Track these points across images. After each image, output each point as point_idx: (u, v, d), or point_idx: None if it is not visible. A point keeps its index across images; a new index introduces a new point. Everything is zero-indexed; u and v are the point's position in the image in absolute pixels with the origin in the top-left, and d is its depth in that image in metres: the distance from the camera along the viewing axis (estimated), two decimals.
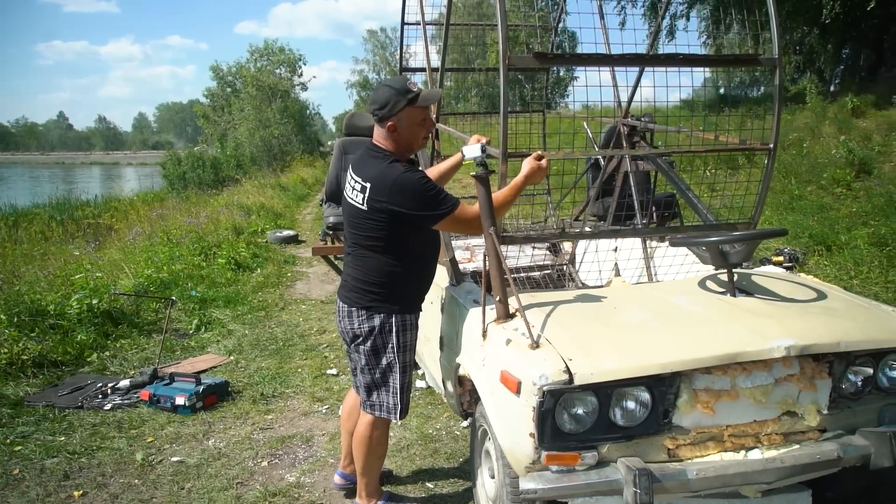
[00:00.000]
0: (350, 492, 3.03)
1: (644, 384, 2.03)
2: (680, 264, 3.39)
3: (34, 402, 4.14)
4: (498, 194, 2.53)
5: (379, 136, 2.57)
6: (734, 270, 2.51)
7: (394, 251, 2.51)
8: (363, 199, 2.46)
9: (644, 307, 2.43)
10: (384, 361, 2.60)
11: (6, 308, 5.31)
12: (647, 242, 3.96)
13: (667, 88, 3.05)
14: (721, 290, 2.54)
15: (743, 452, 2.10)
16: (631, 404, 2.05)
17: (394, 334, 2.58)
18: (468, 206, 2.50)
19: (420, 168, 3.79)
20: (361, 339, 2.61)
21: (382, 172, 2.45)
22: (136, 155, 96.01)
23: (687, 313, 2.35)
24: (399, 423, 3.77)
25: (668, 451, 2.09)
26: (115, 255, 8.50)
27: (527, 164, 2.57)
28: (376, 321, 2.57)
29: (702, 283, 2.66)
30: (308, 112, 35.83)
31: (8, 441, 3.63)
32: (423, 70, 4.26)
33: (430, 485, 3.11)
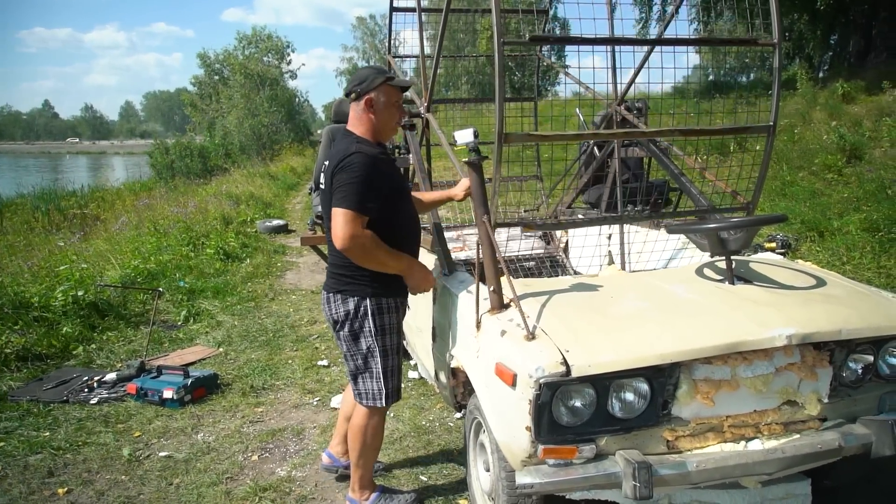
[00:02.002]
0: (341, 477, 3.00)
1: (643, 375, 1.98)
2: (664, 250, 3.35)
3: (18, 397, 4.05)
4: (381, 252, 2.44)
5: (353, 118, 2.57)
6: (732, 258, 2.46)
7: None
8: (328, 179, 2.46)
9: (641, 296, 2.38)
10: (364, 346, 2.57)
11: None
12: (627, 230, 3.93)
13: (662, 69, 2.98)
14: (719, 277, 2.49)
15: (743, 443, 2.06)
16: (629, 396, 2.00)
17: (370, 317, 2.55)
18: (351, 222, 2.34)
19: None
20: (339, 324, 2.60)
21: (341, 150, 2.46)
22: (123, 144, 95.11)
23: (685, 302, 2.29)
24: (391, 412, 3.72)
25: (667, 442, 2.05)
26: (102, 246, 8.37)
27: (414, 274, 2.57)
28: (350, 305, 2.55)
29: (699, 271, 2.61)
30: (297, 100, 35.51)
31: None
32: (414, 56, 4.17)
33: (423, 477, 3.06)
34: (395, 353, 2.64)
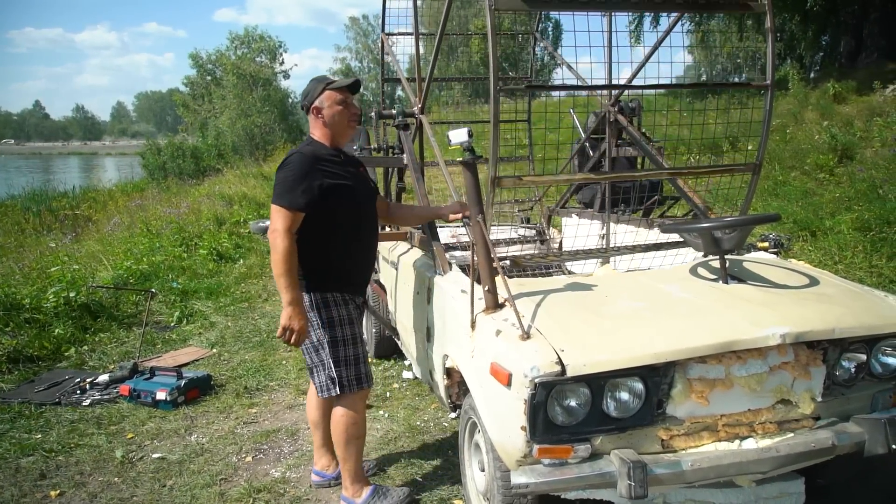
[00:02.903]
0: (336, 488, 2.97)
1: (638, 374, 1.98)
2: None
3: (9, 399, 4.02)
4: (283, 263, 2.47)
5: (311, 129, 2.75)
6: (726, 257, 2.47)
7: (301, 231, 2.55)
8: None
9: (635, 295, 2.38)
10: (313, 338, 2.66)
11: None
12: (610, 228, 3.94)
13: (664, 66, 2.96)
14: (713, 277, 2.50)
15: (737, 442, 2.06)
16: (624, 395, 2.00)
17: (315, 310, 2.64)
18: (279, 217, 2.49)
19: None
20: None
21: (290, 152, 2.67)
22: (114, 145, 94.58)
23: (679, 301, 2.30)
24: (385, 412, 3.71)
25: (662, 442, 2.05)
26: (94, 247, 8.33)
27: (289, 313, 2.51)
28: (304, 301, 2.63)
29: (693, 271, 2.62)
30: (290, 100, 35.38)
31: None
32: (412, 79, 4.16)
33: (418, 477, 3.06)
34: (352, 344, 2.69)
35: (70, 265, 6.74)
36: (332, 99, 2.67)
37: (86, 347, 5.04)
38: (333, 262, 2.67)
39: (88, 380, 4.24)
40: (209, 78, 34.30)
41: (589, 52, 3.46)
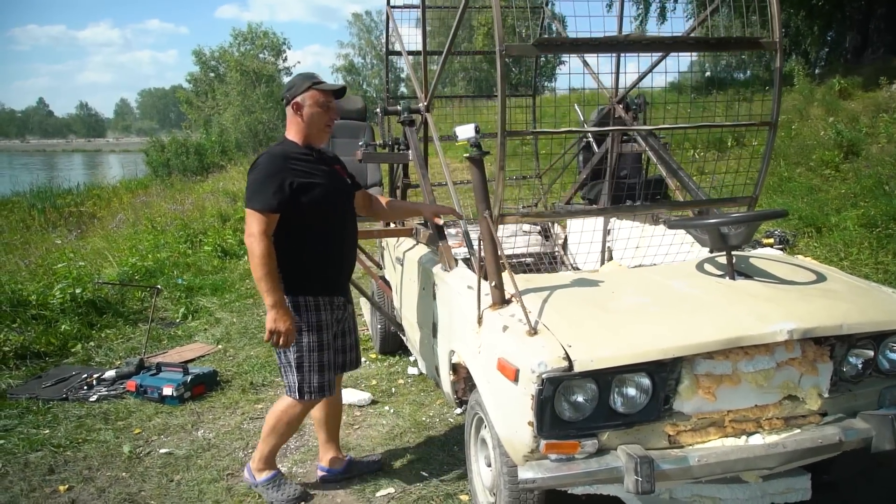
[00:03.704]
0: (342, 482, 2.99)
1: (645, 370, 1.98)
2: (660, 245, 3.36)
3: (17, 395, 4.04)
4: (262, 267, 2.52)
5: (287, 125, 2.73)
6: (733, 253, 2.47)
7: (274, 232, 2.57)
8: None
9: (642, 291, 2.38)
10: None
11: None
12: (621, 225, 3.94)
13: (665, 70, 2.96)
14: (720, 273, 2.49)
15: (744, 438, 2.06)
16: (631, 391, 2.01)
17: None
18: (254, 221, 2.52)
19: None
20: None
21: (261, 153, 2.67)
22: (118, 142, 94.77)
23: (686, 297, 2.30)
24: (391, 408, 3.73)
25: (668, 437, 2.06)
26: (99, 244, 8.36)
27: (274, 315, 2.53)
28: None
29: (700, 267, 2.62)
30: None
31: None
32: (417, 53, 4.15)
33: (424, 473, 3.06)
34: (317, 351, 2.68)
35: (76, 262, 6.77)
36: (314, 99, 2.65)
37: (92, 343, 5.06)
38: (306, 263, 2.65)
39: (95, 376, 4.26)
40: (212, 75, 34.37)
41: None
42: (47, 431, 3.60)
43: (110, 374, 4.26)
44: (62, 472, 3.18)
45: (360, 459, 3.13)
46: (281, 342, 2.56)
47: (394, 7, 4.47)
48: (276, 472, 2.89)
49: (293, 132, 2.70)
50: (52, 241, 9.17)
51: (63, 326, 5.10)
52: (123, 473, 3.16)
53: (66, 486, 3.04)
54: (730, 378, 2.04)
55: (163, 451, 3.36)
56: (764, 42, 2.73)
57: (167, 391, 3.93)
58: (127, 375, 4.19)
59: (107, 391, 4.09)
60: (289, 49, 35.19)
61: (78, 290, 5.50)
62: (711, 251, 2.74)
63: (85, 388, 4.13)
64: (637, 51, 3.16)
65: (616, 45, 3.18)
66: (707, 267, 2.60)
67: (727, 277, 2.42)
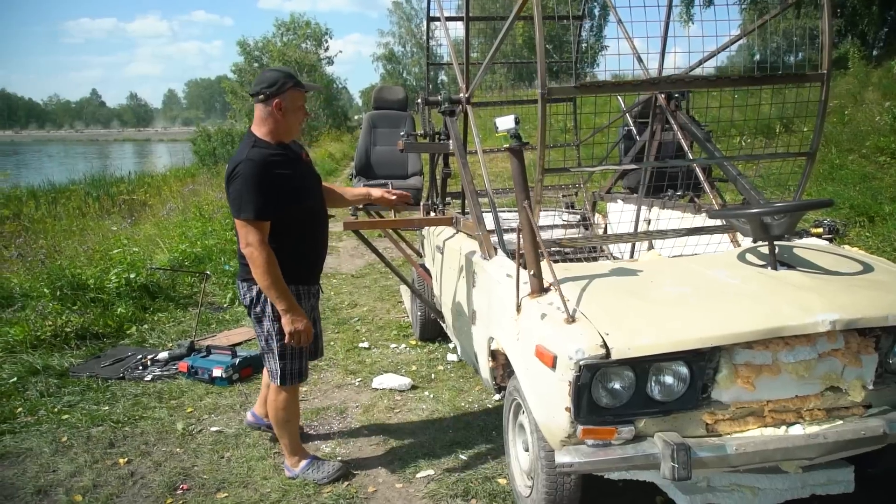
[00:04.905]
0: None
1: (682, 359, 1.99)
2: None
3: (78, 373, 4.28)
4: (268, 275, 2.57)
5: (258, 119, 2.70)
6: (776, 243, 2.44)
7: None
8: (225, 186, 2.68)
9: (681, 281, 2.38)
10: (265, 328, 2.79)
11: (49, 282, 5.49)
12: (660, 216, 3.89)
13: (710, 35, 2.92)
14: (762, 263, 2.47)
15: (784, 428, 2.06)
16: (669, 379, 2.02)
17: (269, 303, 2.71)
18: (251, 231, 2.55)
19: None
20: (248, 308, 2.85)
21: (234, 158, 2.65)
22: (166, 131, 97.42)
23: (726, 287, 2.29)
24: (431, 393, 3.80)
25: (706, 425, 2.07)
26: (150, 231, 8.67)
27: (289, 317, 2.65)
28: (254, 292, 2.76)
29: (741, 256, 2.60)
30: (335, 86, 35.75)
31: (56, 410, 3.77)
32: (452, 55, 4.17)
33: (463, 456, 3.14)
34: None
35: (129, 248, 7.04)
36: (297, 100, 2.68)
37: (146, 326, 5.29)
38: (286, 258, 2.70)
39: (149, 356, 4.47)
40: (256, 65, 34.89)
41: (645, 28, 3.40)
42: (107, 408, 3.81)
43: (163, 355, 4.47)
44: (121, 446, 3.37)
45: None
46: (301, 340, 2.70)
47: (433, 19, 4.50)
48: (312, 458, 3.00)
49: (265, 130, 2.69)
50: (107, 227, 9.54)
51: (119, 309, 5.34)
52: (178, 449, 3.32)
53: (126, 460, 3.22)
54: (770, 368, 2.04)
55: (213, 429, 3.52)
56: (811, 75, 2.71)
57: (217, 373, 4.10)
58: (179, 357, 4.39)
59: (160, 371, 4.29)
60: (330, 38, 35.54)
61: (132, 275, 5.75)
62: (754, 241, 2.71)
63: (140, 368, 4.34)
64: (680, 87, 3.18)
65: (658, 84, 3.17)
66: (749, 257, 2.57)
67: (769, 267, 2.40)
